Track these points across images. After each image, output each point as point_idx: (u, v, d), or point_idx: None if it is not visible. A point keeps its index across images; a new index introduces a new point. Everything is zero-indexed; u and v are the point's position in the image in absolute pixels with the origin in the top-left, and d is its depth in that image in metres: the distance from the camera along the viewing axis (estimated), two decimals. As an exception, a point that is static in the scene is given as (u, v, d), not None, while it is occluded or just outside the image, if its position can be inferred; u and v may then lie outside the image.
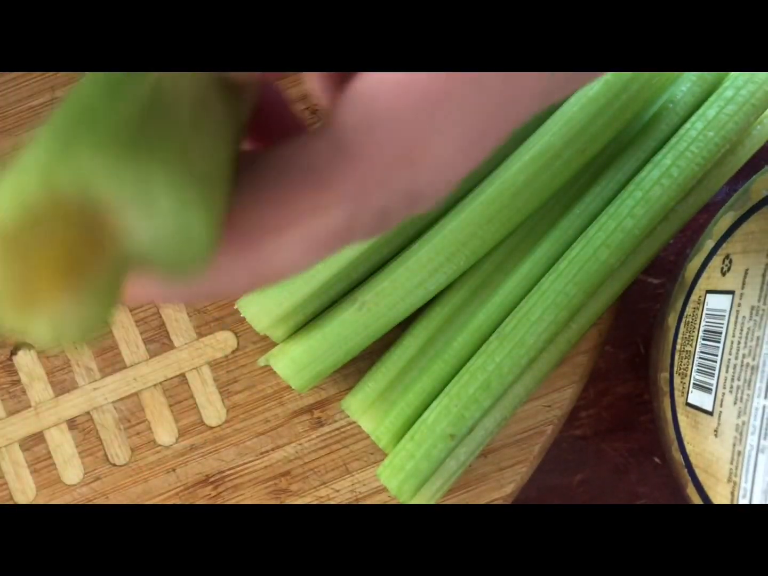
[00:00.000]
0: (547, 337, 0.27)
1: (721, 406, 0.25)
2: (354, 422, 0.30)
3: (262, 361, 0.29)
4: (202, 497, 0.30)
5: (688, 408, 0.27)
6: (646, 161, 0.28)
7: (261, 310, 0.28)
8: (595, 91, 0.28)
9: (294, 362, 0.28)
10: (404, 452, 0.27)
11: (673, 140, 0.28)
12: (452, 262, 0.28)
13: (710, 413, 0.26)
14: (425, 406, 0.28)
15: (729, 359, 0.25)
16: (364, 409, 0.29)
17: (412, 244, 0.28)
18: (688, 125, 0.28)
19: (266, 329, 0.28)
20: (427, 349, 0.29)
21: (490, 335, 0.28)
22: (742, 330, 0.25)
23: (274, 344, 0.30)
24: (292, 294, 0.28)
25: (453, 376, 0.28)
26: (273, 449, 0.30)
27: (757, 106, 0.28)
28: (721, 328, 0.26)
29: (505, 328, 0.28)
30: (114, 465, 0.30)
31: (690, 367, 0.27)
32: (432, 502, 0.28)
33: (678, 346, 0.29)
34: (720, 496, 0.25)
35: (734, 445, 0.24)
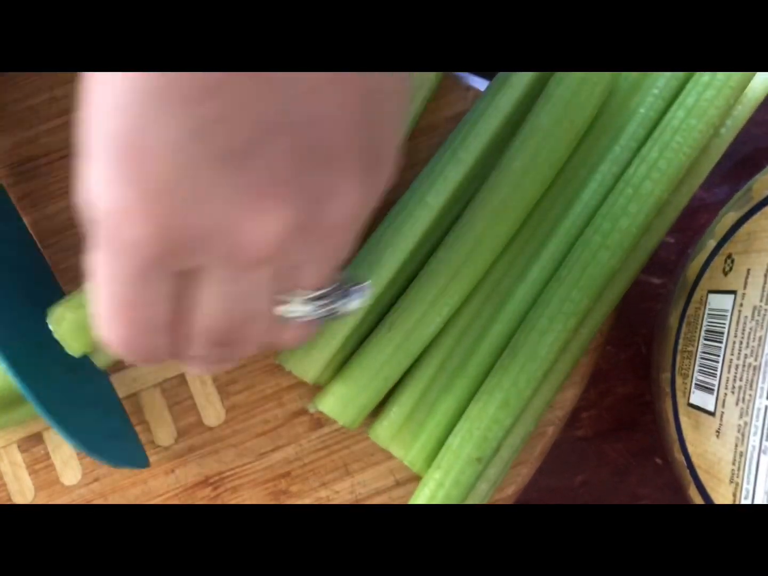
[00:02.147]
0: (559, 346, 0.27)
1: (723, 406, 0.25)
2: (354, 423, 0.30)
3: (311, 408, 0.29)
4: (202, 498, 0.30)
5: (689, 408, 0.27)
6: (633, 157, 0.28)
7: (306, 361, 0.28)
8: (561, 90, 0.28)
9: (339, 400, 0.28)
10: (433, 482, 0.27)
11: (657, 132, 0.28)
12: (465, 271, 0.27)
13: (712, 414, 0.26)
14: (453, 424, 0.28)
15: (731, 359, 0.25)
16: (392, 436, 0.28)
17: (428, 261, 0.28)
18: (669, 115, 0.28)
19: (315, 378, 0.28)
20: (445, 366, 0.28)
21: (504, 348, 0.28)
22: (744, 330, 0.24)
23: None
24: (332, 337, 0.28)
25: (475, 392, 0.28)
26: (273, 450, 0.30)
27: (736, 88, 0.28)
28: (723, 328, 0.26)
29: (516, 343, 0.28)
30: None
31: (692, 367, 0.27)
32: None
33: (680, 347, 0.28)
34: (722, 496, 0.25)
35: (736, 445, 0.24)
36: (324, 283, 0.22)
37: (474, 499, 0.28)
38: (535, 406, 0.28)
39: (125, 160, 0.17)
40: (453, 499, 0.27)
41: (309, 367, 0.28)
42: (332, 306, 0.23)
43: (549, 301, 0.27)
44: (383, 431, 0.28)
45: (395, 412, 0.28)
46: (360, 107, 0.19)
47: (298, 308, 0.22)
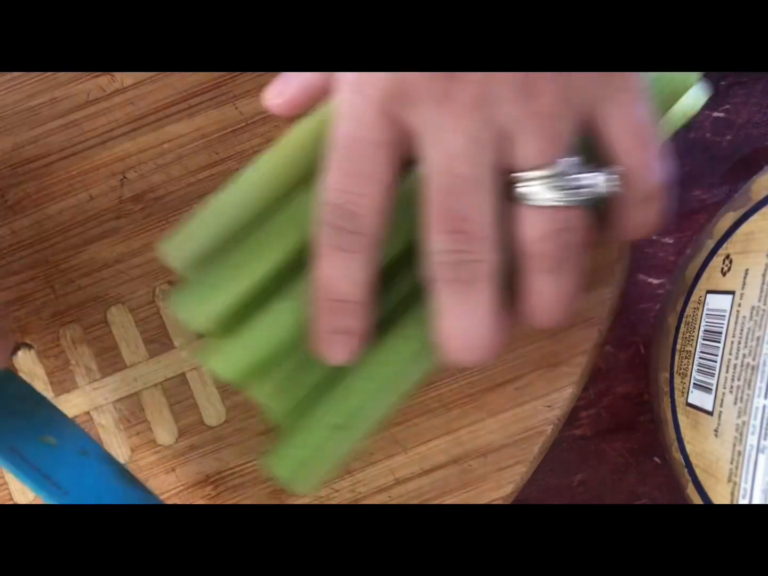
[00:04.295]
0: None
1: (721, 406, 0.25)
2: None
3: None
4: (202, 497, 0.30)
5: (688, 408, 0.27)
6: None
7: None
8: None
9: (229, 355, 0.25)
10: (292, 439, 0.26)
11: None
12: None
13: (710, 413, 0.26)
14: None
15: (729, 359, 0.25)
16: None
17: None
18: None
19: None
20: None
21: None
22: (742, 330, 0.25)
23: None
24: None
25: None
26: (273, 449, 0.30)
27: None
28: (722, 328, 0.26)
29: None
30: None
31: (690, 367, 0.27)
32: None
33: (678, 346, 0.29)
34: (720, 496, 0.25)
35: (734, 445, 0.24)
36: (550, 159, 0.22)
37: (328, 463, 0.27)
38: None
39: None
40: (311, 462, 0.26)
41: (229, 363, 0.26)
42: (568, 186, 0.23)
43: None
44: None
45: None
46: None
47: (531, 186, 0.23)
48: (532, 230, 0.23)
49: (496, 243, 0.23)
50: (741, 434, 0.24)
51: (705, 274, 0.27)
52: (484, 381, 0.31)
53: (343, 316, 0.24)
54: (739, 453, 0.24)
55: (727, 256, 0.26)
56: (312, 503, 0.30)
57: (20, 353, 0.30)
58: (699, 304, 0.27)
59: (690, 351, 0.28)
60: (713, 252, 0.27)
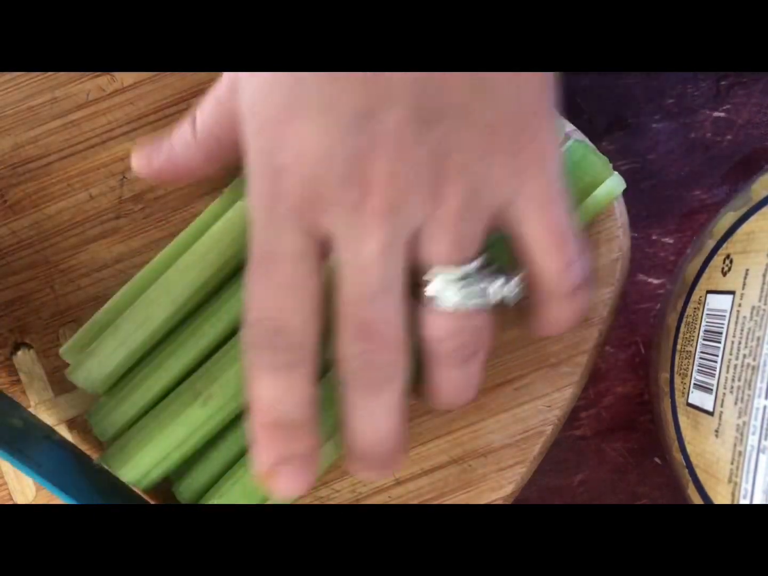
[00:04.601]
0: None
1: (721, 406, 0.25)
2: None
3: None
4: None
5: (688, 408, 0.27)
6: None
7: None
8: None
9: (139, 467, 0.27)
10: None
11: None
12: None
13: (711, 413, 0.26)
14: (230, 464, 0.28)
15: (729, 359, 0.25)
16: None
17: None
18: None
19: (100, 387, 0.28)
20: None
21: None
22: (742, 330, 0.25)
23: None
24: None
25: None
26: (273, 449, 0.30)
27: None
28: (722, 328, 0.26)
29: None
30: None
31: (690, 367, 0.27)
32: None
33: (678, 347, 0.29)
34: (721, 496, 0.25)
35: (735, 445, 0.24)
36: (456, 262, 0.22)
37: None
38: (327, 453, 0.27)
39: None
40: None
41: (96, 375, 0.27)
42: (475, 288, 0.23)
43: None
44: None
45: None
46: None
47: (439, 289, 0.23)
48: (436, 331, 0.23)
49: (405, 345, 0.23)
50: (741, 434, 0.24)
51: (705, 274, 0.27)
52: (483, 381, 0.31)
53: (290, 441, 0.23)
54: (740, 453, 0.24)
55: (728, 256, 0.26)
56: (312, 503, 0.30)
57: (20, 353, 0.30)
58: (699, 304, 0.27)
59: (690, 351, 0.28)
60: (713, 252, 0.27)
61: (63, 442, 0.28)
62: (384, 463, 0.25)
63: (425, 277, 0.23)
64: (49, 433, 0.29)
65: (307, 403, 0.23)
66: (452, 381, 0.24)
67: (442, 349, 0.23)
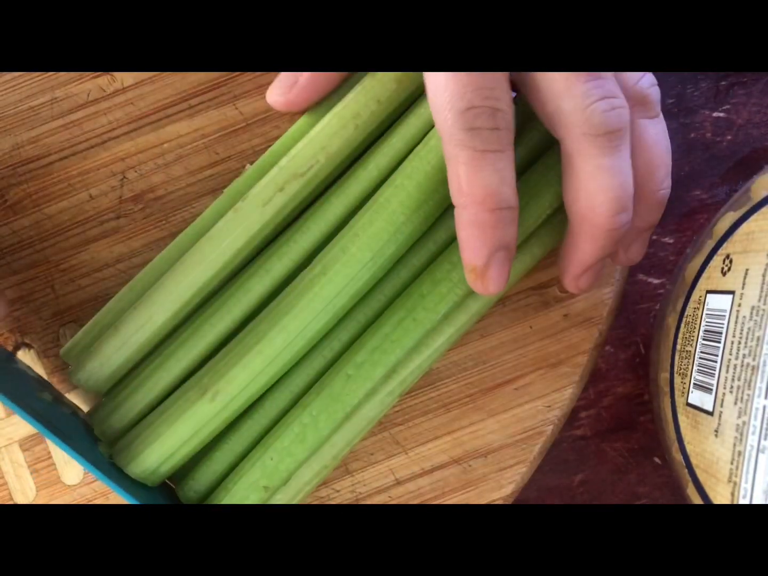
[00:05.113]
0: (365, 392, 0.27)
1: (721, 406, 0.25)
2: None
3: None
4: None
5: (688, 408, 0.27)
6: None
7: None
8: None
9: (147, 463, 0.27)
10: (218, 503, 0.27)
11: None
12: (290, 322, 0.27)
13: (710, 413, 0.26)
14: (234, 464, 0.28)
15: (729, 359, 0.25)
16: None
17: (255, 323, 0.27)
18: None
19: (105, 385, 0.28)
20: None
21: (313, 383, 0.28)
22: (742, 330, 0.25)
23: None
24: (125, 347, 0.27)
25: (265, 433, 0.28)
26: (273, 449, 0.30)
27: None
28: (722, 328, 0.26)
29: (322, 383, 0.28)
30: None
31: (690, 367, 0.27)
32: None
33: (678, 346, 0.29)
34: (720, 496, 0.25)
35: (734, 445, 0.24)
36: None
37: None
38: (337, 445, 0.28)
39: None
40: None
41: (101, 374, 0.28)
42: None
43: (360, 348, 0.27)
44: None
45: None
46: None
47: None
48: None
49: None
50: (741, 434, 0.24)
51: (705, 274, 0.27)
52: (484, 381, 0.31)
53: (509, 225, 0.23)
54: (740, 453, 0.24)
55: (727, 256, 0.26)
56: (312, 503, 0.30)
57: (20, 353, 0.30)
58: (699, 304, 0.27)
59: (690, 351, 0.28)
60: (713, 252, 0.27)
61: (87, 421, 0.28)
62: (620, 237, 0.24)
63: None
64: (75, 409, 0.29)
65: (515, 187, 0.23)
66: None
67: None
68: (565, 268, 0.26)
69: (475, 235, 0.23)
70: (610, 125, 0.22)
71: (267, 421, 0.28)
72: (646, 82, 0.25)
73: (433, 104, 0.23)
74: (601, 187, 0.23)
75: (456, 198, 0.23)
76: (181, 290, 0.27)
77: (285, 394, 0.28)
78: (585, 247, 0.25)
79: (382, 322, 0.28)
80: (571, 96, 0.22)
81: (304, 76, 0.27)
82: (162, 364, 0.27)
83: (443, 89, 0.22)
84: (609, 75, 0.23)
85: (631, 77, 0.24)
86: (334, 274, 0.26)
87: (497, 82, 0.22)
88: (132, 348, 0.27)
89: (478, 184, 0.22)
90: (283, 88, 0.27)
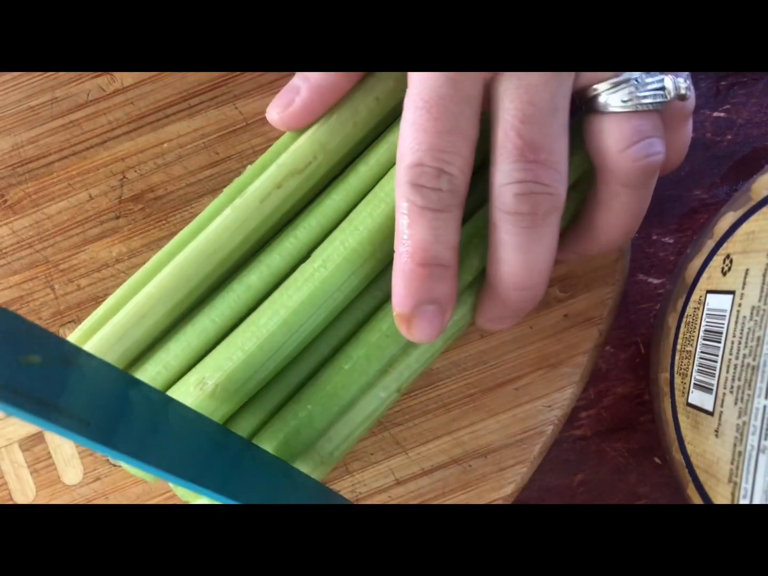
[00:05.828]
0: (360, 387, 0.27)
1: (721, 406, 0.25)
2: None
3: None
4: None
5: (688, 408, 0.27)
6: None
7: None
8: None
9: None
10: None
11: None
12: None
13: (711, 413, 0.26)
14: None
15: (729, 359, 0.25)
16: None
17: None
18: None
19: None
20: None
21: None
22: (742, 330, 0.25)
23: None
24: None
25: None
26: (273, 449, 0.30)
27: None
28: (722, 328, 0.26)
29: (320, 375, 0.28)
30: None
31: (690, 367, 0.27)
32: None
33: (678, 346, 0.28)
34: (721, 496, 0.25)
35: (735, 445, 0.24)
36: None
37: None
38: (333, 440, 0.27)
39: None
40: None
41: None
42: (635, 93, 0.23)
43: (356, 343, 0.27)
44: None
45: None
46: None
47: (605, 96, 0.23)
48: (615, 142, 0.23)
49: (566, 176, 0.23)
50: (741, 434, 0.24)
51: (705, 274, 0.27)
52: (484, 381, 0.31)
53: (437, 282, 0.23)
54: (740, 453, 0.24)
55: (728, 256, 0.26)
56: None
57: (20, 353, 0.30)
58: (699, 304, 0.27)
59: (690, 351, 0.28)
60: (713, 252, 0.27)
61: (90, 359, 0.28)
62: (524, 307, 0.25)
63: (595, 86, 0.23)
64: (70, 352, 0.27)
65: (455, 247, 0.23)
66: (632, 203, 0.24)
67: (622, 158, 0.23)
68: (476, 312, 0.27)
69: (402, 284, 0.23)
70: (520, 207, 0.23)
71: (265, 414, 0.28)
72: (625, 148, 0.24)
73: (397, 148, 0.23)
74: (507, 262, 0.24)
75: (395, 244, 0.24)
76: (179, 286, 0.27)
77: (282, 387, 0.28)
78: (488, 304, 0.26)
79: (378, 317, 0.28)
80: (499, 173, 0.23)
81: (300, 97, 0.27)
82: (161, 359, 0.27)
83: (404, 137, 0.23)
84: (551, 159, 0.23)
85: (613, 145, 0.24)
86: (336, 268, 0.26)
87: (454, 146, 0.22)
88: (130, 343, 0.27)
89: (413, 237, 0.23)
90: (280, 107, 0.27)
